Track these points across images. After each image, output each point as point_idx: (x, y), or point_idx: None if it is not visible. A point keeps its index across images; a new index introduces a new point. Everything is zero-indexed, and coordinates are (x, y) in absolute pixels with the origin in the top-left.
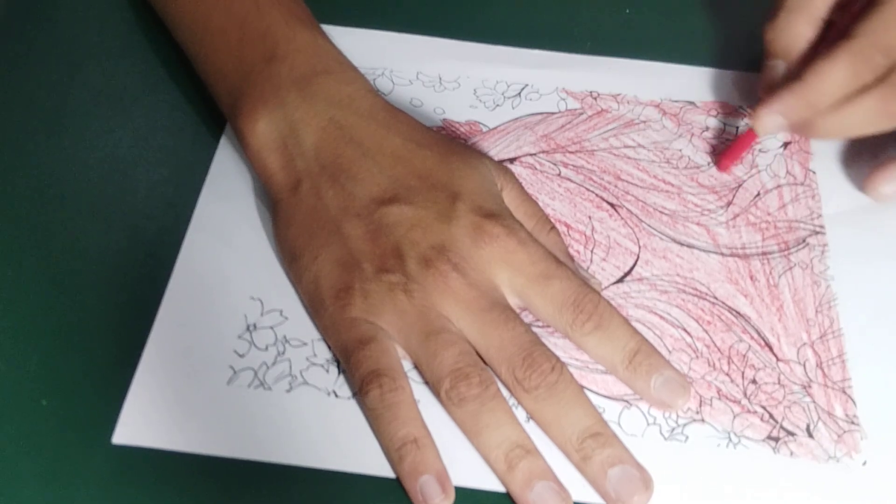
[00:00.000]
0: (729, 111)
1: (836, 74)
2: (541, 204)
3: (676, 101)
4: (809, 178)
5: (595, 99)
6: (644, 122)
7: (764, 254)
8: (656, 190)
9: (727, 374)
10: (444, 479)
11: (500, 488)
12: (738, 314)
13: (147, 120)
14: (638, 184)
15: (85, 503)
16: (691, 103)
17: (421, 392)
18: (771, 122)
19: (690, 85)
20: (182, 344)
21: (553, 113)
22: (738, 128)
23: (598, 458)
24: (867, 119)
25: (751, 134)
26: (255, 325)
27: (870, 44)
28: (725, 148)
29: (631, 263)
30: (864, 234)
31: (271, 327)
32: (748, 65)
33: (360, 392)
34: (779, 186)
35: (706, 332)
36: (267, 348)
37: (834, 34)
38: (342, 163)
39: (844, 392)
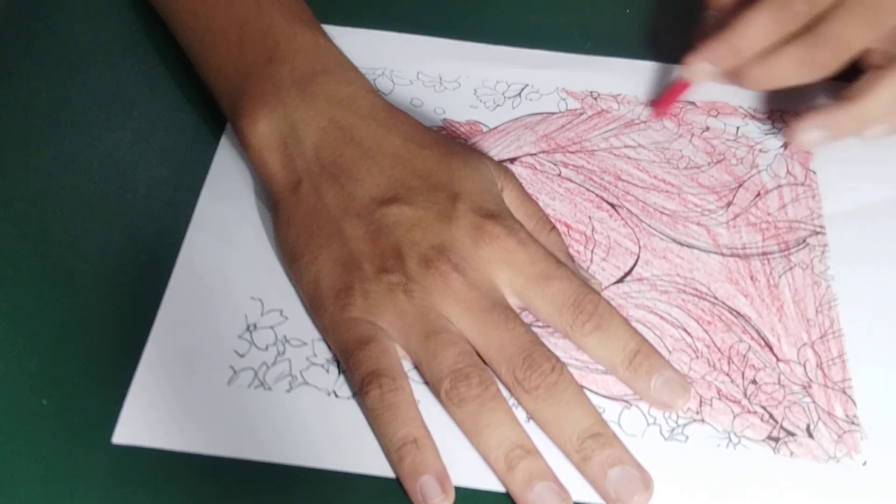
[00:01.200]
0: (729, 111)
1: (759, 21)
2: (541, 204)
3: (677, 101)
4: (810, 178)
5: (595, 99)
6: (644, 122)
7: (764, 254)
8: (656, 190)
9: (727, 375)
10: (444, 479)
11: (500, 488)
12: (739, 314)
13: (147, 120)
14: (638, 184)
15: (85, 503)
16: (691, 103)
17: (421, 392)
18: (699, 69)
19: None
20: (182, 344)
21: (553, 113)
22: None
23: (598, 459)
24: (792, 68)
25: (682, 83)
26: (255, 325)
27: None
28: (659, 95)
29: (631, 264)
30: (865, 235)
31: (271, 327)
32: None
33: (360, 392)
34: (779, 186)
35: (706, 332)
36: (267, 348)
37: None
38: (342, 163)
39: (844, 392)
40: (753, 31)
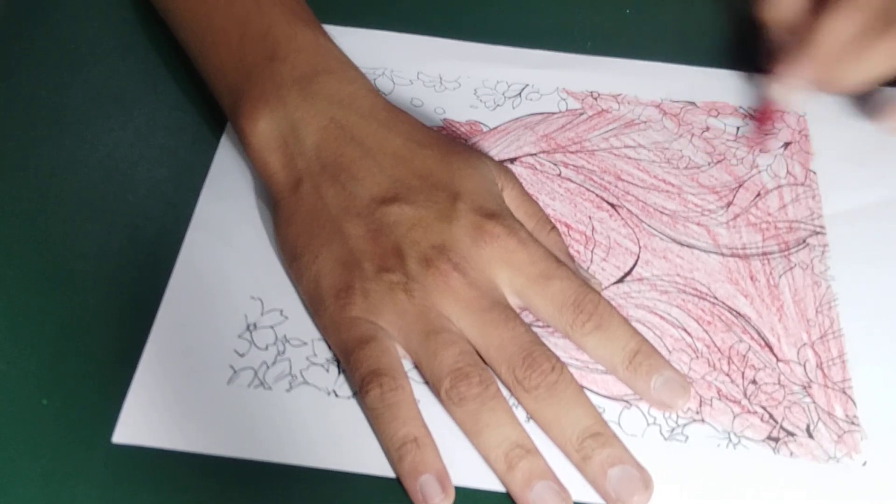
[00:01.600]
0: (729, 111)
1: (836, 24)
2: (541, 204)
3: (677, 102)
4: (810, 178)
5: (595, 99)
6: (644, 122)
7: (764, 254)
8: (657, 190)
9: (727, 375)
10: (444, 479)
11: (500, 488)
12: (739, 314)
13: (147, 120)
14: (638, 184)
15: (85, 503)
16: (691, 103)
17: (421, 392)
18: (792, 87)
19: (690, 85)
20: (182, 343)
21: (553, 113)
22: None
23: (598, 458)
24: (885, 61)
25: (774, 105)
26: (255, 325)
27: None
28: (754, 125)
29: (631, 263)
30: (865, 235)
31: (271, 327)
32: (748, 65)
33: (360, 391)
34: (779, 187)
35: (706, 332)
36: (267, 348)
37: None
38: (343, 162)
39: (844, 392)
40: (835, 36)
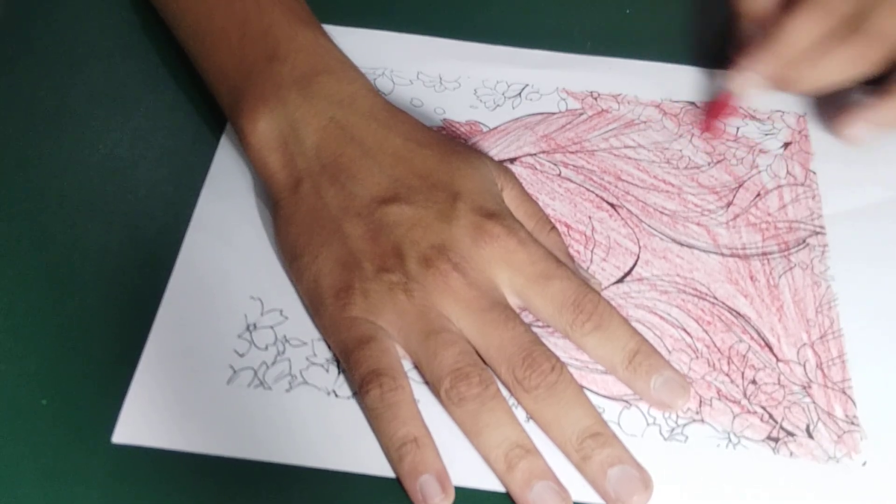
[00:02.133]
0: (729, 111)
1: (801, 25)
2: (541, 204)
3: (677, 102)
4: (810, 178)
5: (595, 99)
6: (644, 122)
7: (764, 254)
8: (656, 190)
9: (727, 375)
10: (444, 479)
11: (499, 488)
12: (738, 314)
13: (147, 120)
14: (638, 184)
15: (85, 503)
16: (692, 103)
17: (421, 392)
18: (746, 79)
19: (690, 85)
20: (182, 343)
21: (553, 113)
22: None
23: (598, 458)
24: (841, 68)
25: (728, 96)
26: (255, 325)
27: None
28: (706, 110)
29: (631, 264)
30: (865, 235)
31: (271, 327)
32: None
33: (360, 391)
34: (779, 187)
35: (706, 332)
36: (267, 348)
37: None
38: (343, 162)
39: (844, 392)
40: (798, 36)
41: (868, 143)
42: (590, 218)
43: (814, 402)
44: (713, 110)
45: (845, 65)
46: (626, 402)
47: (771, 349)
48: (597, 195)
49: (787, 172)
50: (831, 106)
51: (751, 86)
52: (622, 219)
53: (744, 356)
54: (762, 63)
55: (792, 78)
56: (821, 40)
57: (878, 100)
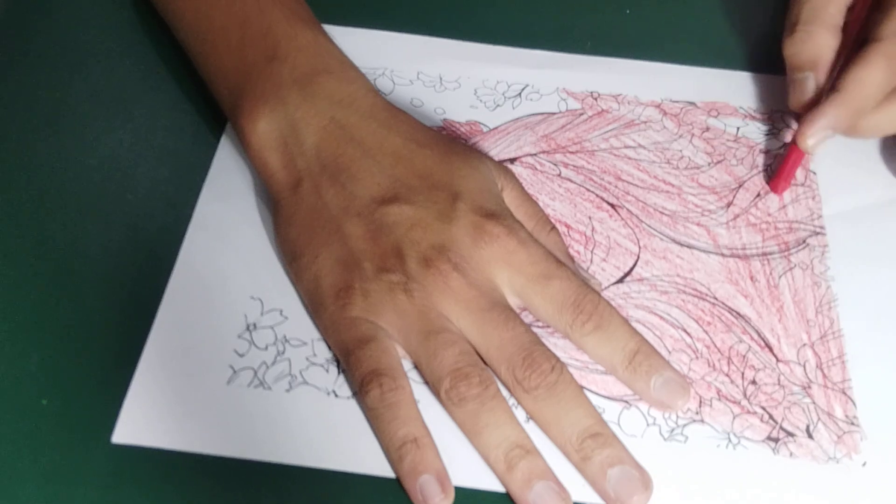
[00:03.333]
0: (729, 111)
1: (874, 79)
2: (541, 204)
3: (677, 102)
4: (810, 178)
5: (596, 99)
6: (644, 122)
7: (764, 254)
8: (656, 190)
9: (727, 375)
10: (444, 479)
11: (499, 488)
12: (739, 315)
13: (147, 120)
14: (638, 184)
15: (85, 503)
16: (692, 103)
17: (421, 392)
18: (820, 138)
19: (691, 85)
20: (182, 343)
21: (553, 113)
22: (782, 144)
23: (598, 459)
24: None
25: (800, 152)
26: (254, 325)
27: None
28: (777, 171)
29: (631, 264)
30: (865, 235)
31: (271, 327)
32: (749, 65)
33: (359, 391)
34: None
35: (706, 332)
36: (267, 348)
37: (847, 36)
38: (343, 162)
39: (844, 393)
40: (871, 88)
41: (821, 149)
42: (590, 218)
43: (814, 403)
44: (788, 168)
45: None
46: (626, 402)
47: (771, 349)
48: (597, 195)
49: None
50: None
51: (823, 139)
52: (622, 219)
53: (744, 356)
54: (836, 118)
55: (860, 126)
56: (884, 87)
57: (827, 102)
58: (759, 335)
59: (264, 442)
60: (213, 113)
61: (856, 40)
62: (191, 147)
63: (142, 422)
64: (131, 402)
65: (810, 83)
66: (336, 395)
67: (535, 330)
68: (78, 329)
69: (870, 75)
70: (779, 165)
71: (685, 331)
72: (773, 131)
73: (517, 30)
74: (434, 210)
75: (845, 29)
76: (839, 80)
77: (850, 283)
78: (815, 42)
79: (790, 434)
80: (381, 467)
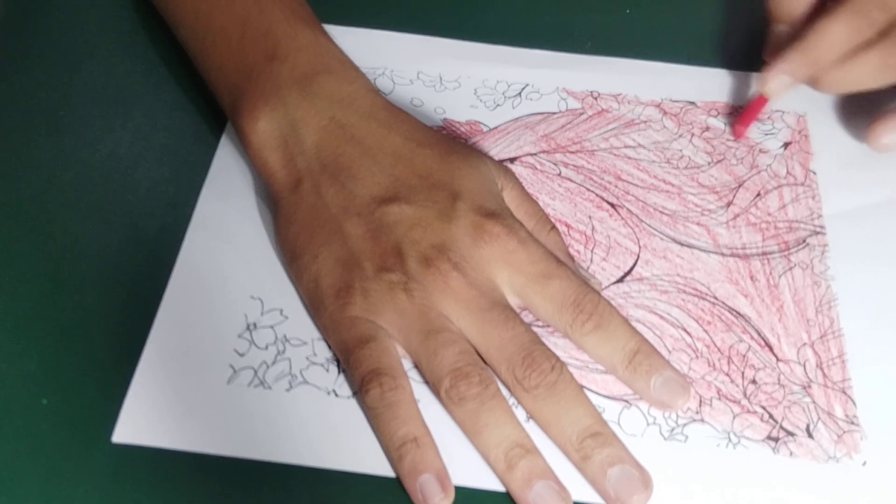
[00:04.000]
0: (729, 111)
1: (837, 31)
2: (541, 204)
3: (677, 101)
4: (810, 178)
5: (596, 99)
6: (644, 122)
7: (764, 254)
8: (656, 190)
9: (727, 375)
10: (444, 478)
11: (499, 488)
12: (739, 314)
13: (147, 119)
14: (638, 184)
15: (85, 502)
16: (692, 103)
17: (421, 391)
18: (778, 83)
19: (691, 85)
20: (182, 343)
21: (553, 113)
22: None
23: (598, 458)
24: (871, 73)
25: (761, 99)
26: (255, 325)
27: (868, 0)
28: (738, 115)
29: (631, 263)
30: (865, 235)
31: (271, 326)
32: (748, 65)
33: (360, 391)
34: (779, 187)
35: (706, 332)
36: (267, 347)
37: None
38: (343, 161)
39: (844, 392)
40: (831, 40)
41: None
42: (590, 218)
43: (814, 402)
44: (748, 113)
45: (873, 69)
46: (626, 401)
47: (771, 349)
48: (597, 195)
49: (787, 172)
50: (866, 115)
51: (783, 87)
52: (622, 218)
53: (744, 356)
54: (794, 65)
55: (822, 80)
56: (850, 43)
57: (789, 49)
58: (759, 334)
59: (264, 441)
60: (213, 113)
61: None
62: (191, 147)
63: (142, 421)
64: (131, 402)
65: (783, 33)
66: (336, 395)
67: (535, 329)
68: (78, 329)
69: (831, 26)
70: (742, 110)
71: (685, 330)
72: (773, 131)
73: (517, 30)
74: (434, 210)
75: None
76: (803, 30)
77: (850, 283)
78: None
79: (790, 433)
80: (381, 467)
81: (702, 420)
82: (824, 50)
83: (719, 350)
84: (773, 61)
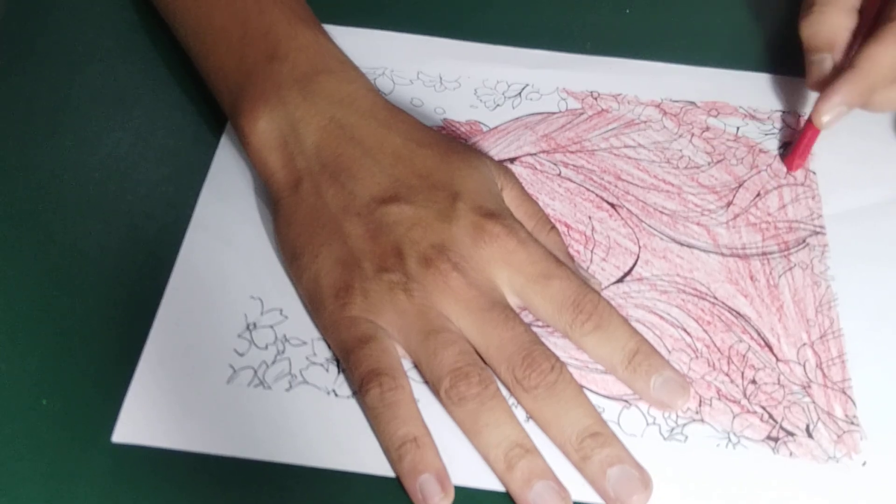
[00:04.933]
0: (729, 111)
1: (887, 56)
2: (541, 204)
3: (677, 101)
4: (810, 178)
5: (595, 99)
6: (644, 122)
7: (764, 254)
8: (656, 190)
9: (727, 375)
10: (444, 478)
11: (499, 488)
12: (738, 314)
13: (147, 120)
14: (638, 184)
15: (85, 502)
16: (691, 103)
17: (421, 391)
18: (836, 115)
19: (691, 85)
20: (182, 343)
21: (553, 113)
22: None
23: (598, 458)
24: None
25: (815, 130)
26: (254, 324)
27: None
28: (793, 149)
29: (631, 263)
30: (865, 235)
31: (271, 326)
32: (748, 64)
33: (359, 391)
34: (779, 187)
35: (706, 332)
36: (267, 347)
37: (864, 18)
38: (343, 161)
39: (844, 392)
40: (884, 65)
41: (836, 124)
42: (590, 218)
43: (813, 402)
44: (804, 146)
45: None
46: (626, 401)
47: (771, 349)
48: (597, 195)
49: (787, 172)
50: (866, 115)
51: (839, 117)
52: (622, 219)
53: (743, 356)
54: (850, 95)
55: (873, 102)
56: None
57: (841, 78)
58: (758, 335)
59: (264, 441)
60: (213, 113)
61: (873, 21)
62: (191, 147)
63: (142, 421)
64: (131, 402)
65: (827, 63)
66: (336, 395)
67: (535, 330)
68: (78, 329)
69: (883, 53)
70: (794, 144)
71: (685, 330)
72: (773, 131)
73: (517, 30)
74: (434, 210)
75: (862, 10)
76: (854, 58)
77: (850, 283)
78: (832, 22)
79: (790, 433)
80: (381, 467)
81: (701, 420)
82: (877, 76)
83: (719, 350)
84: (827, 93)
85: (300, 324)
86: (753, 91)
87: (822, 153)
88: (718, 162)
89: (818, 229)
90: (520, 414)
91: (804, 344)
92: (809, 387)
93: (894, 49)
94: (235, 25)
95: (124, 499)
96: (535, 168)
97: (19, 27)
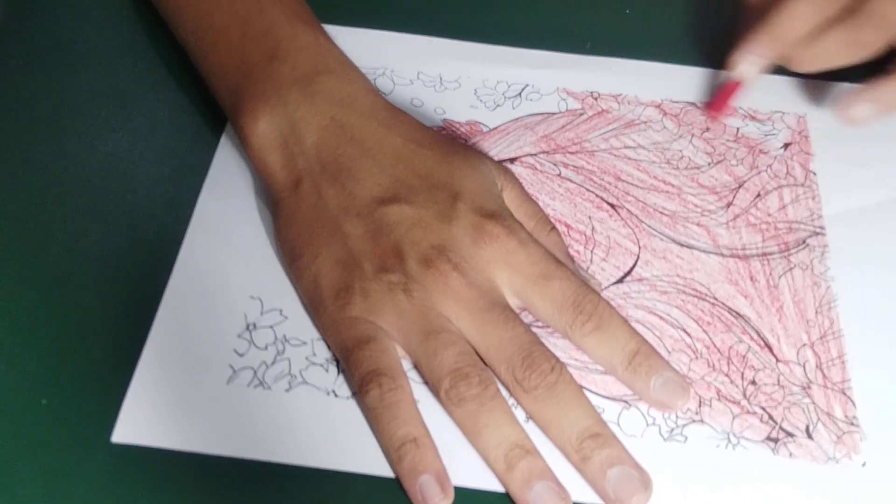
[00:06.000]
0: (729, 111)
1: (801, 8)
2: (541, 204)
3: (677, 102)
4: (810, 179)
5: (596, 99)
6: (644, 122)
7: (764, 255)
8: (656, 190)
9: (727, 375)
10: (444, 479)
11: (499, 488)
12: (738, 315)
13: (147, 120)
14: (638, 184)
15: (84, 502)
16: (692, 104)
17: (421, 392)
18: (747, 64)
19: (691, 85)
20: (181, 343)
21: (553, 113)
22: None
23: (597, 459)
24: (839, 49)
25: (733, 82)
26: (254, 325)
27: None
28: (711, 98)
29: (631, 264)
30: (865, 236)
31: (271, 326)
32: None
33: (359, 391)
34: (779, 187)
35: (706, 332)
36: (266, 347)
37: None
38: (343, 162)
39: (844, 393)
40: (795, 18)
41: (869, 124)
42: (590, 218)
43: (813, 403)
44: (721, 97)
45: (840, 45)
46: (626, 402)
47: (771, 350)
48: (597, 195)
49: (787, 173)
50: (833, 95)
51: (754, 70)
52: (622, 219)
53: (743, 357)
54: (761, 44)
55: (794, 59)
56: (817, 22)
57: (880, 80)
58: (758, 335)
59: (264, 442)
60: (213, 113)
61: None
62: (191, 147)
63: (141, 421)
64: (131, 402)
65: (750, 20)
66: (336, 395)
67: (535, 330)
68: (78, 329)
69: (795, 3)
70: (716, 92)
71: (685, 331)
72: (773, 132)
73: (517, 30)
74: (434, 210)
75: None
76: (772, 11)
77: (850, 283)
78: None
79: (790, 434)
80: (380, 467)
81: (701, 421)
82: (789, 27)
83: (719, 351)
84: (744, 43)
85: (300, 324)
86: (753, 91)
87: (822, 154)
88: (718, 162)
89: (818, 230)
90: (520, 414)
91: (804, 344)
92: (809, 387)
93: (804, 4)
94: (235, 25)
95: (124, 499)
96: (535, 168)
97: (19, 27)
